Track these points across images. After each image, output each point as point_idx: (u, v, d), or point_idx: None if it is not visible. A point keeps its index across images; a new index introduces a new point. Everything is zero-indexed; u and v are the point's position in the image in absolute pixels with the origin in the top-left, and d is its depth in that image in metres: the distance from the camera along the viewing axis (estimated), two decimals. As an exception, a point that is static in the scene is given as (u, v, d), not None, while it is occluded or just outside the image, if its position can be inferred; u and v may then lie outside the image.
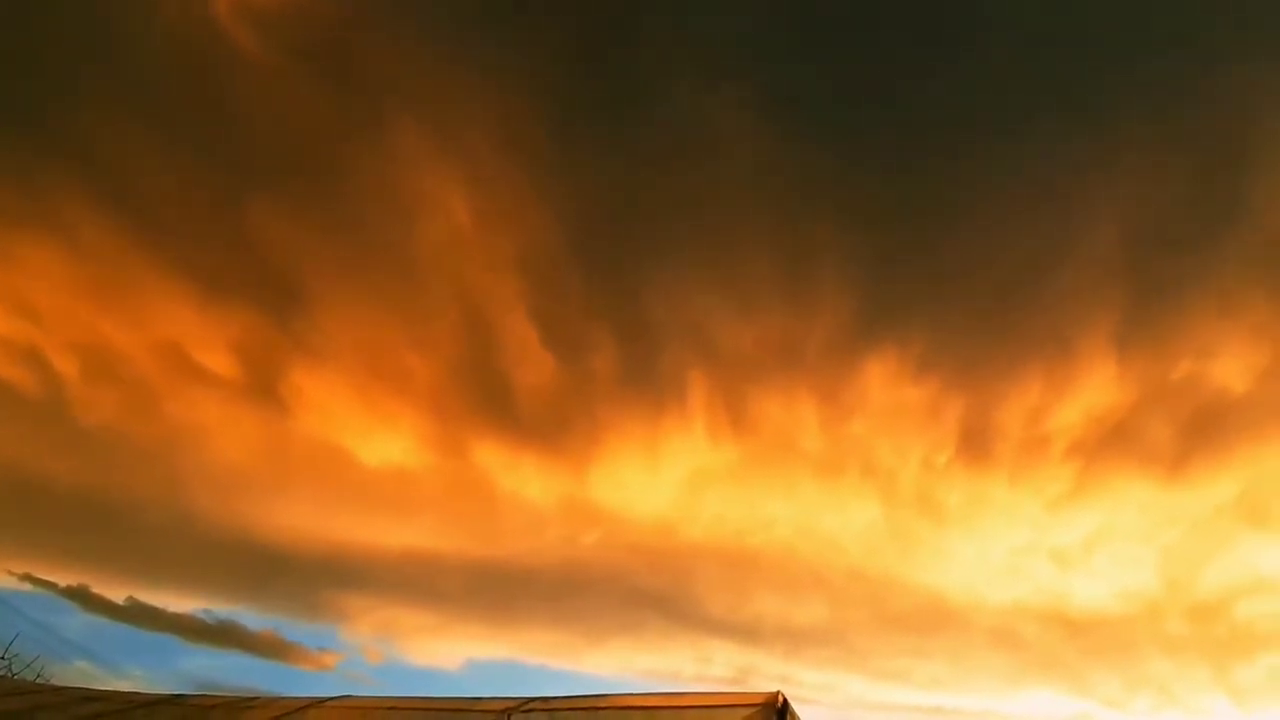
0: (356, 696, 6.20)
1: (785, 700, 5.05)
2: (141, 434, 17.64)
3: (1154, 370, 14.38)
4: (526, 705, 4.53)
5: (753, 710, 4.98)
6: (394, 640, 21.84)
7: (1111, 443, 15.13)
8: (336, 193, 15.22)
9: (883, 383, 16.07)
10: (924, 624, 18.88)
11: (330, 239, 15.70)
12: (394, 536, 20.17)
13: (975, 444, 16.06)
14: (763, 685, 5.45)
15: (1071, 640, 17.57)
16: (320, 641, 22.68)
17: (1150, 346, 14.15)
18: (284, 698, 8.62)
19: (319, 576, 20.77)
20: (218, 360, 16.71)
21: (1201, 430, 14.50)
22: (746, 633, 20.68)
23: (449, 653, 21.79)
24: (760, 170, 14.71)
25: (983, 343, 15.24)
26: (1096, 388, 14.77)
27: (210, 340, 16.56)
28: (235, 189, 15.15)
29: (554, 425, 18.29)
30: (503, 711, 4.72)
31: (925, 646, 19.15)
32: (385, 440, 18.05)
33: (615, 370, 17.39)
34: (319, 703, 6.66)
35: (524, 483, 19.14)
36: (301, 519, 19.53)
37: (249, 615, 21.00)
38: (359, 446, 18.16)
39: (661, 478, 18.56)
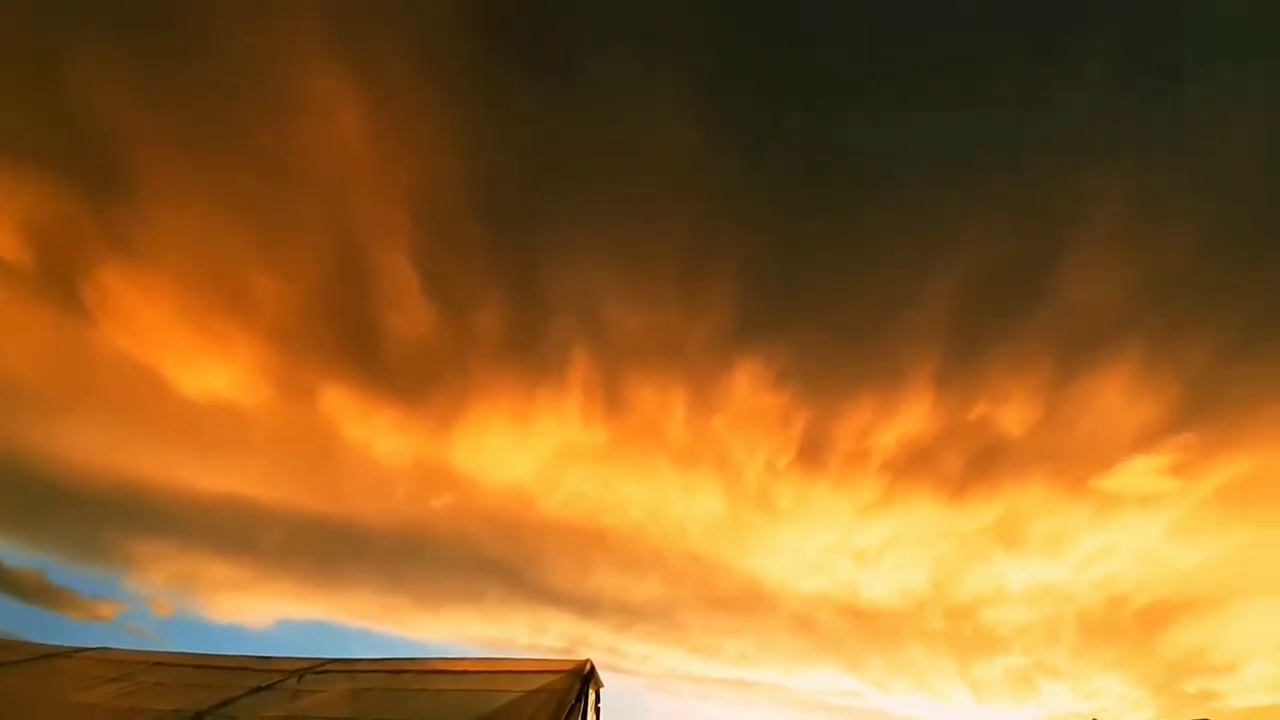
0: (117, 649, 5.42)
1: (593, 667, 5.32)
2: None
3: (957, 409, 17.07)
4: (322, 666, 4.26)
5: (559, 676, 5.20)
6: (192, 593, 19.53)
7: (915, 464, 17.78)
8: (192, 65, 12.79)
9: (748, 387, 17.32)
10: (740, 606, 20.94)
11: (173, 117, 13.17)
12: (208, 479, 17.88)
13: (812, 452, 18.00)
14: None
15: (855, 628, 20.56)
16: (97, 589, 19.63)
17: (958, 388, 16.77)
18: (26, 644, 7.31)
19: (105, 515, 17.89)
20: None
21: (981, 464, 17.55)
22: (585, 605, 21.41)
23: (258, 611, 19.96)
24: (678, 165, 14.93)
25: (834, 365, 17.05)
26: (913, 417, 17.21)
27: (-12, 211, 13.29)
28: (56, 34, 12.18)
29: (420, 380, 17.27)
30: (294, 672, 4.40)
31: (739, 626, 21.27)
32: (212, 368, 15.81)
33: (498, 333, 16.81)
34: (71, 653, 5.76)
35: (376, 436, 17.94)
36: (91, 448, 16.58)
37: (8, 551, 17.56)
38: (177, 371, 15.74)
39: (527, 449, 18.40)
